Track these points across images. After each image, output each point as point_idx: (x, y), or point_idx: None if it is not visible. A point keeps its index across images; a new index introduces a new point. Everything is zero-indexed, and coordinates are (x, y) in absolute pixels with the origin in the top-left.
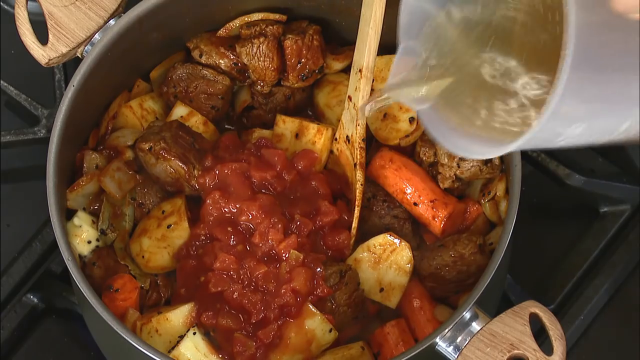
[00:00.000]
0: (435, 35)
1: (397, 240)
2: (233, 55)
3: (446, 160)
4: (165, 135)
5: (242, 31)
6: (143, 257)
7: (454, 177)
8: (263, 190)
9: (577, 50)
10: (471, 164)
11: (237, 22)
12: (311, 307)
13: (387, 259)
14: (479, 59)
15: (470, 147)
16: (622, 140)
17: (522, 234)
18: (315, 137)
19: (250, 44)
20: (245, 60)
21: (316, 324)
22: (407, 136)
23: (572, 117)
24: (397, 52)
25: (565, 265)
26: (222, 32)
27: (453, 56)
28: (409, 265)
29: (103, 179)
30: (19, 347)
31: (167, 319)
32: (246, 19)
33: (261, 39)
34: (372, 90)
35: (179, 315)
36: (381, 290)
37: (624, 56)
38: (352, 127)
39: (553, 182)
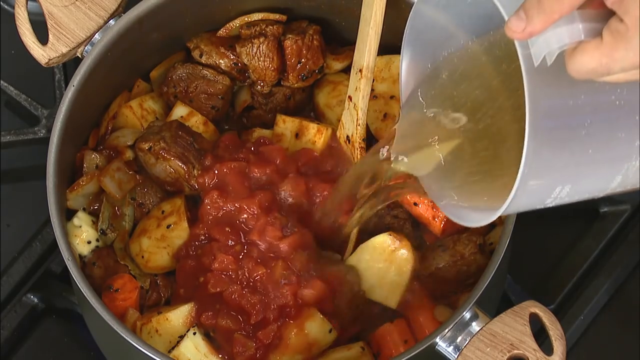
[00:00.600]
0: (442, 95)
1: (397, 240)
2: (233, 55)
3: None
4: (165, 135)
5: (242, 31)
6: (143, 257)
7: None
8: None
9: (535, 121)
10: None
11: (237, 22)
12: (314, 309)
13: (387, 259)
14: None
15: (462, 213)
16: (622, 191)
17: (522, 234)
18: (315, 136)
19: (250, 44)
20: (245, 60)
21: (316, 325)
22: None
23: (552, 182)
24: (401, 111)
25: (565, 265)
26: (222, 32)
27: (460, 115)
28: (409, 265)
29: (103, 179)
30: (19, 347)
31: (167, 319)
32: (246, 19)
33: (261, 39)
34: (373, 90)
35: (179, 315)
36: (381, 290)
37: (595, 119)
38: (352, 127)
39: None
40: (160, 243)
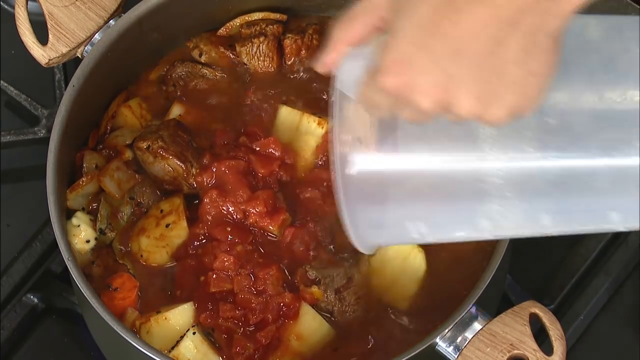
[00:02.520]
0: None
1: (412, 246)
2: (233, 54)
3: None
4: (163, 134)
5: (242, 31)
6: (142, 256)
7: None
8: (263, 185)
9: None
10: None
11: (237, 22)
12: (312, 309)
13: (400, 264)
14: None
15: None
16: (517, 237)
17: None
18: (316, 129)
19: (250, 44)
20: (245, 60)
21: (316, 327)
22: None
23: (395, 220)
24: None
25: (565, 265)
26: (222, 31)
27: None
28: (421, 272)
29: (103, 179)
30: (19, 347)
31: (166, 318)
32: (246, 18)
33: (261, 39)
34: None
35: (178, 315)
36: (393, 293)
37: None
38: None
39: None
40: (159, 242)
